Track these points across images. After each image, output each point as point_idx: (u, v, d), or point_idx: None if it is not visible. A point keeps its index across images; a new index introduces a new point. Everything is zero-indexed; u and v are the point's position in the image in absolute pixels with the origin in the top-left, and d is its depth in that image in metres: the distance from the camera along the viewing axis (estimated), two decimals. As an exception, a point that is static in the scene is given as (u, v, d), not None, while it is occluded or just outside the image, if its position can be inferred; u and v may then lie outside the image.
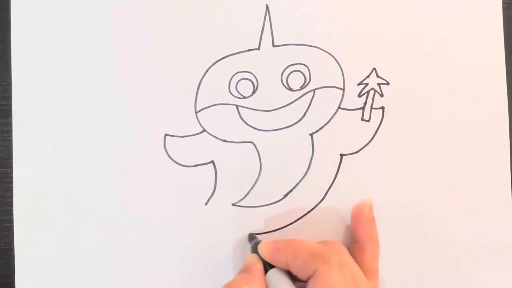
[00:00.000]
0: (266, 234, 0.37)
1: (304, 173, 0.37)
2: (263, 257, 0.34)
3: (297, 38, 0.37)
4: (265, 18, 0.37)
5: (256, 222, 0.37)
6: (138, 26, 0.37)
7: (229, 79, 0.37)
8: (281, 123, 0.37)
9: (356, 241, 0.36)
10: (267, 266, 0.33)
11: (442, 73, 0.38)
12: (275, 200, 0.37)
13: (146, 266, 0.37)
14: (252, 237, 0.36)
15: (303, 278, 0.32)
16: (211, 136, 0.37)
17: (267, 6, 0.37)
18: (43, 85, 0.37)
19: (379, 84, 0.38)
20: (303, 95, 0.37)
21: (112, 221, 0.37)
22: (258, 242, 0.34)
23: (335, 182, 0.37)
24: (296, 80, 0.37)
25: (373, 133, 0.38)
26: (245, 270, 0.34)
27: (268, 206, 0.37)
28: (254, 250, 0.34)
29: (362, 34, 0.37)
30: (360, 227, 0.36)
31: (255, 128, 0.37)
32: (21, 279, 0.37)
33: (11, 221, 0.37)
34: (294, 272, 0.32)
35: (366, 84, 0.38)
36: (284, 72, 0.37)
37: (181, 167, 0.37)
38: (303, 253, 0.32)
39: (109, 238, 0.37)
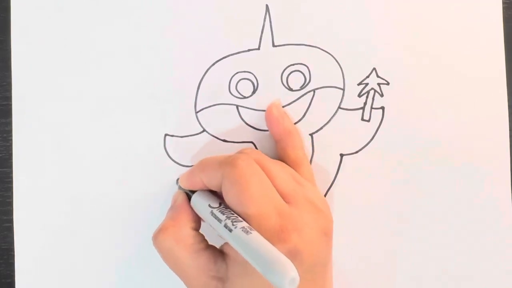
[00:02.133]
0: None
1: (304, 173, 0.37)
2: (183, 187, 0.34)
3: (297, 38, 0.37)
4: (265, 18, 0.37)
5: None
6: (138, 26, 0.37)
7: (229, 79, 0.37)
8: (281, 123, 0.37)
9: (276, 141, 0.36)
10: (191, 195, 0.34)
11: (442, 73, 0.38)
12: (275, 200, 0.37)
13: (146, 266, 0.37)
14: (178, 180, 0.36)
15: (220, 189, 0.31)
16: (211, 136, 0.37)
17: (267, 6, 0.37)
18: (43, 85, 0.37)
19: (379, 84, 0.38)
20: (303, 95, 0.37)
21: (112, 221, 0.37)
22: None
23: (335, 182, 0.37)
24: (296, 80, 0.37)
25: (373, 133, 0.38)
26: (171, 208, 0.34)
27: (268, 206, 0.37)
28: (180, 188, 0.35)
29: (362, 34, 0.37)
30: (273, 126, 0.36)
31: (255, 128, 0.37)
32: (21, 279, 0.37)
33: (11, 221, 0.37)
34: (210, 187, 0.32)
35: (366, 84, 0.38)
36: (284, 72, 0.37)
37: (181, 167, 0.37)
38: (210, 165, 0.32)
39: (109, 238, 0.37)
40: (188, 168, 0.37)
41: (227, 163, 0.31)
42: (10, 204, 0.37)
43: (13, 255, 0.37)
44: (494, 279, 0.38)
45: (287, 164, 0.35)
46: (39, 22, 0.37)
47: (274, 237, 0.29)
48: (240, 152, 0.34)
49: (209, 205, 0.31)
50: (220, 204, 0.31)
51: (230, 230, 0.28)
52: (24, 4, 0.37)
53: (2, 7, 0.37)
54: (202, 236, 0.33)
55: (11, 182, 0.37)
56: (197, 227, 0.33)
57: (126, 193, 0.37)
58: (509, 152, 0.38)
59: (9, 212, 0.37)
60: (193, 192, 0.34)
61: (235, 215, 0.30)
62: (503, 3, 0.38)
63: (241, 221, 0.29)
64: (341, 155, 0.37)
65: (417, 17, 0.38)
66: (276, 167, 0.33)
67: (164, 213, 0.37)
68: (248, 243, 0.27)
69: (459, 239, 0.38)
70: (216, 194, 0.33)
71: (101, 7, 0.37)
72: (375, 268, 0.38)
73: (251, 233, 0.28)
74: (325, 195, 0.37)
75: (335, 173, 0.37)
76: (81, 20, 0.37)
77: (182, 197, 0.34)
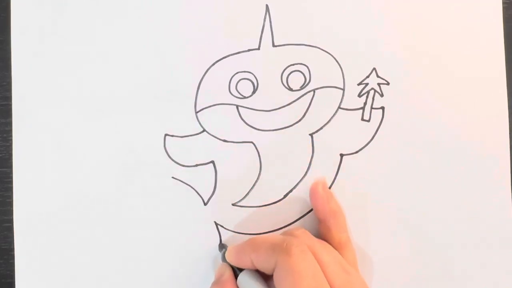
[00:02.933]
0: (266, 234, 0.37)
1: (304, 173, 0.37)
2: (230, 263, 0.34)
3: (297, 38, 0.37)
4: (265, 18, 0.37)
5: (256, 222, 0.37)
6: (138, 26, 0.37)
7: (229, 79, 0.37)
8: (281, 123, 0.37)
9: (320, 220, 0.36)
10: (238, 272, 0.33)
11: (442, 73, 0.38)
12: (275, 200, 0.37)
13: (146, 266, 0.37)
14: (222, 246, 0.36)
15: (270, 273, 0.31)
16: (211, 136, 0.37)
17: (267, 6, 0.37)
18: (43, 85, 0.37)
19: (379, 84, 0.38)
20: (303, 95, 0.37)
21: (112, 221, 0.37)
22: (226, 250, 0.34)
23: (335, 182, 0.37)
24: (296, 80, 0.37)
25: (373, 133, 0.38)
26: (215, 282, 0.34)
27: (268, 206, 0.37)
28: (224, 259, 0.34)
29: (362, 34, 0.37)
30: (319, 206, 0.36)
31: (255, 128, 0.37)
32: (21, 279, 0.37)
33: (11, 221, 0.37)
34: (260, 269, 0.32)
35: (366, 84, 0.38)
36: (284, 72, 0.37)
37: (181, 167, 0.37)
38: (263, 247, 0.32)
39: (109, 238, 0.37)
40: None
41: (282, 249, 0.30)
42: (10, 204, 0.37)
43: (13, 255, 0.37)
44: (494, 279, 0.38)
45: (331, 245, 0.34)
46: (39, 22, 0.37)
47: None
48: (292, 234, 0.34)
49: None
50: None
51: None
52: (24, 4, 0.37)
53: (2, 7, 0.37)
54: None
55: (11, 182, 0.37)
56: None
57: (126, 193, 0.37)
58: (509, 152, 0.38)
59: (9, 212, 0.37)
60: (239, 268, 0.33)
61: None
62: (503, 3, 0.38)
63: None
64: (341, 155, 0.37)
65: (417, 17, 0.38)
66: (327, 255, 0.32)
67: (164, 213, 0.37)
68: None
69: (459, 239, 0.38)
70: (263, 274, 0.32)
71: (101, 7, 0.37)
72: (375, 268, 0.38)
73: None
74: (325, 195, 0.37)
75: (335, 173, 0.37)
76: (81, 20, 0.37)
77: (229, 273, 0.33)
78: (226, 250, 0.35)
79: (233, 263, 0.34)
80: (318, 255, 0.31)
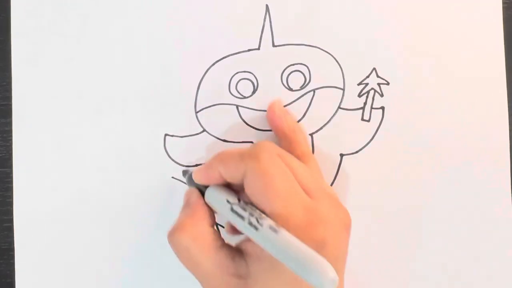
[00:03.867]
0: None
1: (304, 173, 0.37)
2: (198, 182, 0.33)
3: (297, 38, 0.37)
4: (265, 18, 0.37)
5: (256, 222, 0.37)
6: (138, 26, 0.37)
7: (229, 79, 0.37)
8: (281, 123, 0.37)
9: (280, 138, 0.36)
10: (204, 191, 0.33)
11: (442, 73, 0.38)
12: (275, 200, 0.37)
13: (146, 266, 0.37)
14: (186, 172, 0.36)
15: (240, 183, 0.31)
16: (211, 136, 0.37)
17: (267, 6, 0.37)
18: (43, 85, 0.37)
19: (379, 84, 0.38)
20: (303, 95, 0.37)
21: (112, 221, 0.37)
22: (191, 174, 0.34)
23: (335, 182, 0.37)
24: (296, 80, 0.37)
25: (373, 133, 0.38)
26: (184, 205, 0.33)
27: (268, 206, 0.37)
28: (190, 182, 0.34)
29: (362, 34, 0.37)
30: (276, 124, 0.36)
31: (255, 128, 0.37)
32: (21, 279, 0.37)
33: (11, 221, 0.37)
34: (230, 181, 0.31)
35: (366, 84, 0.38)
36: (284, 72, 0.37)
37: (181, 167, 0.37)
38: (231, 158, 0.31)
39: (108, 237, 0.37)
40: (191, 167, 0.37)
41: (251, 155, 0.30)
42: (10, 204, 0.37)
43: (13, 255, 0.37)
44: (494, 279, 0.38)
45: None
46: (39, 22, 0.37)
47: (301, 232, 0.28)
48: (260, 145, 0.33)
49: (228, 201, 0.30)
50: (239, 200, 0.30)
51: (256, 228, 0.27)
52: (24, 4, 0.37)
53: (2, 7, 0.37)
54: (219, 233, 0.32)
55: (11, 182, 0.37)
56: (213, 224, 0.32)
57: (126, 193, 0.37)
58: (509, 152, 0.38)
59: (9, 212, 0.37)
60: (206, 187, 0.33)
61: (257, 211, 0.29)
62: (503, 3, 0.38)
63: (266, 218, 0.28)
64: (341, 155, 0.37)
65: (417, 17, 0.38)
66: (296, 162, 0.32)
67: (164, 213, 0.37)
68: (278, 243, 0.26)
69: (459, 239, 0.38)
70: (231, 188, 0.32)
71: (101, 7, 0.37)
72: (374, 267, 0.38)
73: (279, 231, 0.27)
74: (325, 195, 0.37)
75: (335, 173, 0.37)
76: (81, 20, 0.37)
77: (197, 193, 0.33)
78: (191, 173, 0.34)
79: (201, 182, 0.33)
80: (286, 160, 0.31)
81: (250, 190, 0.30)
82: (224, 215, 0.31)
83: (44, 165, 0.37)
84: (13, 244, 0.37)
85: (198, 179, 0.33)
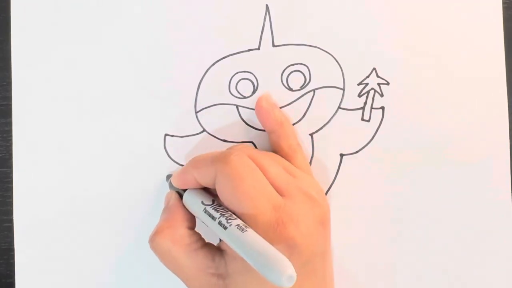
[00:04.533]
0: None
1: (304, 173, 0.37)
2: (177, 186, 0.34)
3: (297, 38, 0.37)
4: (265, 18, 0.37)
5: (256, 222, 0.37)
6: (138, 26, 0.37)
7: (229, 79, 0.37)
8: (281, 123, 0.37)
9: (269, 132, 0.36)
10: (183, 194, 0.33)
11: (442, 73, 0.38)
12: (275, 200, 0.37)
13: (146, 266, 0.37)
14: (169, 176, 0.36)
15: (213, 187, 0.31)
16: (211, 136, 0.37)
17: (267, 6, 0.37)
18: (43, 85, 0.37)
19: (379, 84, 0.38)
20: (303, 95, 0.37)
21: (112, 221, 0.37)
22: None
23: (335, 182, 0.37)
24: (296, 80, 0.37)
25: (373, 133, 0.38)
26: (164, 209, 0.34)
27: (268, 206, 0.37)
28: (171, 186, 0.35)
29: (362, 34, 0.37)
30: (264, 117, 0.36)
31: (255, 128, 0.37)
32: (21, 279, 0.37)
33: (11, 221, 0.37)
34: (204, 185, 0.32)
35: (366, 84, 0.38)
36: (284, 72, 0.37)
37: (181, 167, 0.37)
38: (203, 163, 0.32)
39: (109, 238, 0.37)
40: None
41: (220, 159, 0.31)
42: (10, 204, 0.37)
43: (13, 255, 0.37)
44: (494, 279, 0.38)
45: (281, 155, 0.35)
46: (39, 22, 0.37)
47: (271, 231, 0.29)
48: (232, 148, 0.34)
49: (202, 202, 0.31)
50: (213, 202, 0.31)
51: (225, 228, 0.28)
52: (24, 4, 0.37)
53: (2, 7, 0.37)
54: (199, 234, 0.33)
55: (11, 182, 0.37)
56: (192, 226, 0.33)
57: (126, 193, 0.37)
58: (509, 152, 0.38)
59: (9, 212, 0.37)
60: (185, 190, 0.34)
61: (229, 212, 0.30)
62: (503, 3, 0.38)
63: (236, 219, 0.29)
64: (341, 155, 0.37)
65: (417, 17, 0.38)
66: (269, 160, 0.32)
67: (164, 213, 0.37)
68: (243, 241, 0.27)
69: (459, 239, 0.38)
70: (208, 191, 0.33)
71: (101, 7, 0.37)
72: (374, 268, 0.38)
73: (246, 230, 0.28)
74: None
75: (335, 173, 0.37)
76: (81, 20, 0.37)
77: (175, 196, 0.34)
78: (170, 176, 0.35)
79: (179, 186, 0.34)
80: (257, 160, 0.32)
81: (221, 193, 0.30)
82: (199, 217, 0.32)
83: (44, 165, 0.37)
84: (13, 244, 0.37)
85: (175, 183, 0.34)
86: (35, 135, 0.37)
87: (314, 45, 0.37)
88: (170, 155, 0.37)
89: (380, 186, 0.37)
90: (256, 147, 0.37)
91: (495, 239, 0.38)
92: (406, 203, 0.38)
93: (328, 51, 0.37)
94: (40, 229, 0.37)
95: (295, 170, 0.34)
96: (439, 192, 0.38)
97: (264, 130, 0.37)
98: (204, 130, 0.37)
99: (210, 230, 0.30)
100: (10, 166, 0.37)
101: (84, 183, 0.37)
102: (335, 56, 0.37)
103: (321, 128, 0.37)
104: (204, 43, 0.37)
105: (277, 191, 0.31)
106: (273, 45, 0.37)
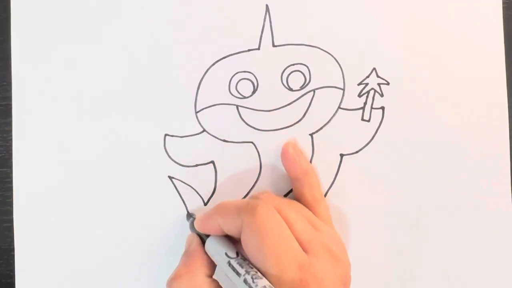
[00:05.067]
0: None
1: (304, 173, 0.37)
2: (199, 231, 0.34)
3: (297, 38, 0.37)
4: (265, 18, 0.37)
5: (256, 222, 0.37)
6: (138, 26, 0.37)
7: (229, 79, 0.37)
8: (281, 123, 0.37)
9: (293, 179, 0.36)
10: (205, 238, 0.33)
11: (442, 73, 0.38)
12: (275, 200, 0.37)
13: (146, 266, 0.37)
14: (190, 215, 0.36)
15: (238, 237, 0.31)
16: (211, 136, 0.37)
17: (267, 6, 0.37)
18: (43, 85, 0.37)
19: (379, 84, 0.38)
20: (303, 95, 0.37)
21: (112, 221, 0.37)
22: (194, 219, 0.34)
23: (335, 182, 0.37)
24: (296, 80, 0.37)
25: (373, 133, 0.38)
26: (184, 253, 0.34)
27: (268, 206, 0.37)
28: (192, 228, 0.34)
29: (362, 34, 0.37)
30: (290, 165, 0.36)
31: (255, 128, 0.37)
32: (21, 279, 0.37)
33: (11, 221, 0.37)
34: (228, 233, 0.32)
35: (366, 84, 0.38)
36: (284, 72, 0.37)
37: (181, 167, 0.37)
38: (229, 211, 0.32)
39: (108, 238, 0.37)
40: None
41: (247, 210, 0.30)
42: (10, 204, 0.37)
43: (13, 255, 0.37)
44: (494, 279, 0.38)
45: (304, 204, 0.35)
46: (39, 22, 0.37)
47: None
48: (257, 197, 0.34)
49: (226, 254, 0.31)
50: (237, 254, 0.31)
51: None
52: (24, 4, 0.37)
53: (2, 7, 0.37)
54: (216, 282, 0.32)
55: (11, 182, 0.37)
56: (211, 274, 0.32)
57: (126, 193, 0.37)
58: (509, 152, 0.38)
59: (9, 212, 0.37)
60: (207, 235, 0.33)
61: (254, 269, 0.29)
62: (503, 3, 0.38)
63: (262, 278, 0.28)
64: (341, 155, 0.37)
65: (417, 17, 0.38)
66: (295, 214, 0.32)
67: (164, 213, 0.37)
68: None
69: (459, 239, 0.38)
70: (231, 239, 0.32)
71: (101, 7, 0.37)
72: (374, 267, 0.38)
73: None
74: (325, 195, 0.37)
75: (335, 173, 0.37)
76: (81, 20, 0.37)
77: (196, 241, 0.34)
78: (193, 219, 0.35)
79: (201, 231, 0.33)
80: (284, 213, 0.31)
81: (246, 246, 0.30)
82: (221, 267, 0.31)
83: (44, 165, 0.37)
84: (13, 244, 0.37)
85: (198, 227, 0.34)
86: (35, 135, 0.37)
87: (314, 45, 0.37)
88: (170, 155, 0.37)
89: (380, 186, 0.37)
90: (256, 147, 0.37)
91: (495, 239, 0.38)
92: (406, 203, 0.38)
93: (328, 51, 0.37)
94: (40, 229, 0.37)
95: (319, 223, 0.33)
96: (439, 191, 0.38)
97: (264, 131, 0.37)
98: (204, 130, 0.37)
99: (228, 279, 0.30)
100: (10, 166, 0.37)
101: (84, 183, 0.37)
102: (335, 56, 0.37)
103: (321, 128, 0.37)
104: (204, 43, 0.37)
105: (301, 246, 0.31)
106: (273, 45, 0.37)
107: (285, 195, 0.37)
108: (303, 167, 0.36)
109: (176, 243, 0.37)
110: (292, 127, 0.37)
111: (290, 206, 0.33)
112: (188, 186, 0.37)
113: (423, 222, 0.38)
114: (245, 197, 0.37)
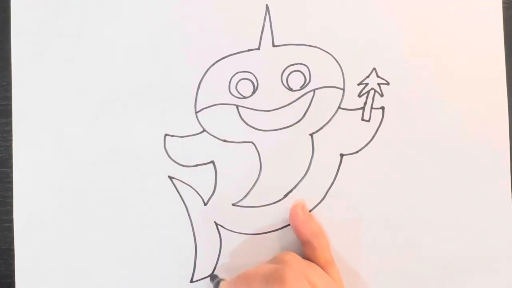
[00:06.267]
0: (266, 234, 0.37)
1: (304, 173, 0.37)
2: None
3: (297, 38, 0.37)
4: (265, 18, 0.37)
5: (256, 222, 0.37)
6: (138, 26, 0.37)
7: (229, 79, 0.37)
8: (281, 123, 0.37)
9: (303, 242, 0.36)
10: None
11: (442, 73, 0.38)
12: (275, 200, 0.37)
13: (146, 266, 0.37)
14: (213, 277, 0.36)
15: None
16: (211, 136, 0.37)
17: (267, 6, 0.37)
18: (43, 85, 0.37)
19: (379, 84, 0.38)
20: (303, 95, 0.37)
21: (112, 221, 0.37)
22: (219, 282, 0.34)
23: (335, 182, 0.37)
24: (296, 80, 0.37)
25: (373, 133, 0.38)
26: None
27: (268, 206, 0.37)
28: None
29: (362, 34, 0.37)
30: (300, 228, 0.36)
31: (255, 128, 0.37)
32: (21, 279, 0.37)
33: (11, 221, 0.37)
34: None
35: (366, 84, 0.38)
36: (284, 72, 0.37)
37: (181, 167, 0.37)
38: (256, 280, 0.31)
39: (109, 238, 0.37)
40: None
41: (275, 279, 0.30)
42: (10, 204, 0.37)
43: (13, 255, 0.37)
44: (494, 279, 0.38)
45: (316, 262, 0.35)
46: (39, 22, 0.37)
47: None
48: (283, 260, 0.33)
49: None
50: None
51: None
52: (24, 4, 0.37)
53: (2, 7, 0.37)
54: None
55: (11, 182, 0.37)
56: None
57: (126, 193, 0.37)
58: (509, 152, 0.38)
59: (9, 212, 0.37)
60: None
61: None
62: (503, 3, 0.38)
63: None
64: (341, 155, 0.37)
65: (417, 17, 0.38)
66: (320, 279, 0.32)
67: (164, 213, 0.37)
68: None
69: (459, 239, 0.38)
70: None
71: (101, 7, 0.37)
72: (373, 267, 0.38)
73: None
74: (325, 195, 0.37)
75: (335, 173, 0.37)
76: (81, 20, 0.37)
77: None
78: (217, 281, 0.34)
79: None
80: (311, 280, 0.32)
81: None
82: None
83: (44, 165, 0.37)
84: (13, 244, 0.37)
85: None
86: (35, 135, 0.37)
87: (314, 45, 0.37)
88: (170, 155, 0.37)
89: (380, 186, 0.37)
90: (256, 147, 0.37)
91: (495, 239, 0.38)
92: (406, 203, 0.38)
93: (328, 51, 0.37)
94: (40, 229, 0.37)
95: (337, 286, 0.34)
96: (439, 191, 0.38)
97: (263, 131, 0.37)
98: (204, 130, 0.37)
99: None
100: (10, 166, 0.37)
101: (84, 183, 0.37)
102: (335, 56, 0.37)
103: (321, 128, 0.37)
104: (204, 43, 0.37)
105: None
106: (273, 45, 0.37)
107: (285, 195, 0.37)
108: (314, 230, 0.36)
109: (176, 243, 0.37)
110: (292, 127, 0.37)
111: (314, 272, 0.33)
112: (188, 186, 0.37)
113: (423, 222, 0.38)
114: (245, 197, 0.37)
